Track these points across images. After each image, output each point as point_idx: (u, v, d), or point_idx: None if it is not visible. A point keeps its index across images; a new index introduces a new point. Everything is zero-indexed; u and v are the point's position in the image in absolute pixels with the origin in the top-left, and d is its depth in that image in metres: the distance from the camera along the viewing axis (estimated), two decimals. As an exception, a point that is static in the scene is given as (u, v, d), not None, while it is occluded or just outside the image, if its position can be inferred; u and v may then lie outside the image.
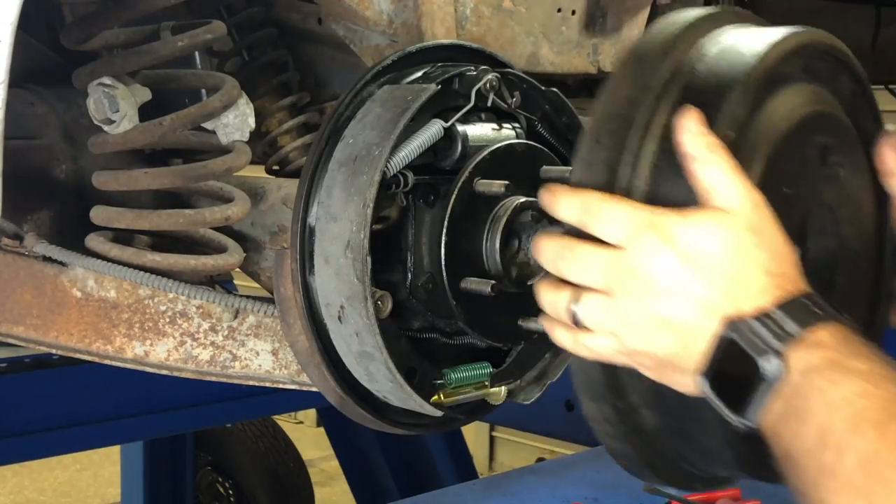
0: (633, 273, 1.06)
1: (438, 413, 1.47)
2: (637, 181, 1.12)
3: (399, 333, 1.45)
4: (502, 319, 1.49)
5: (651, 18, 1.95)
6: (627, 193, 1.11)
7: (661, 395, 1.13)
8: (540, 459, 5.46)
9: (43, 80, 1.76)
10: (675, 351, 1.06)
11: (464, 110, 1.45)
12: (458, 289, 1.42)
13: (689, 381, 1.07)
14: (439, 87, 1.42)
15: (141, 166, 1.71)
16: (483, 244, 1.43)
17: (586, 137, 1.15)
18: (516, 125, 1.53)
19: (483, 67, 1.49)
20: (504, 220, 1.43)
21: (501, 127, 1.51)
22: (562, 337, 1.14)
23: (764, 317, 1.02)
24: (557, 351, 1.60)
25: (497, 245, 1.42)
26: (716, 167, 1.06)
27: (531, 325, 1.49)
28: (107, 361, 1.68)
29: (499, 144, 1.46)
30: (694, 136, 1.08)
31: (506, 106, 1.51)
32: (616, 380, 1.16)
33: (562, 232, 1.14)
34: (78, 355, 1.69)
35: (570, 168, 1.49)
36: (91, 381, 3.64)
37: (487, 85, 1.47)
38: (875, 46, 2.53)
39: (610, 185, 1.12)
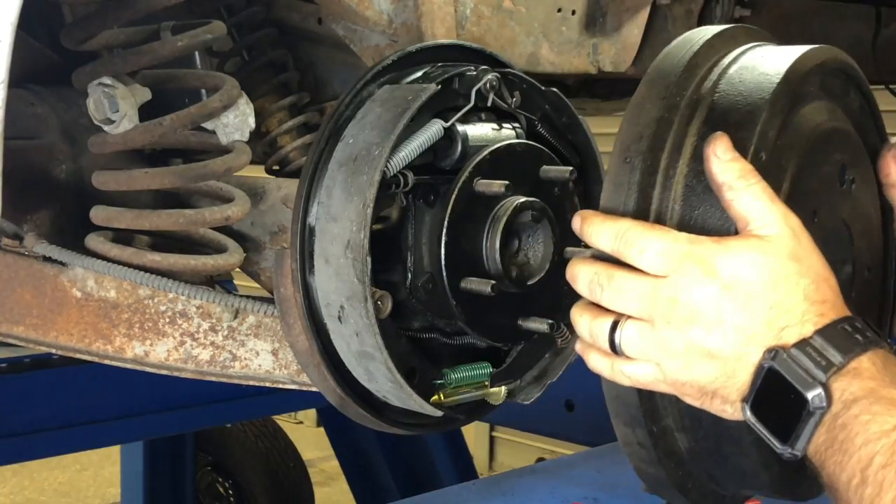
0: (674, 303, 1.05)
1: (438, 413, 1.47)
2: (671, 203, 1.11)
3: (399, 333, 1.45)
4: (502, 319, 1.49)
5: (651, 18, 1.94)
6: (661, 217, 1.10)
7: (698, 418, 1.12)
8: (540, 459, 5.45)
9: (43, 80, 1.76)
10: (717, 380, 1.06)
11: (464, 110, 1.45)
12: (458, 289, 1.42)
13: (732, 409, 1.07)
14: (439, 87, 1.42)
15: (141, 166, 1.71)
16: (483, 244, 1.43)
17: (615, 157, 1.14)
18: (516, 125, 1.53)
19: (483, 67, 1.49)
20: (504, 220, 1.43)
21: (501, 127, 1.51)
22: (598, 363, 1.13)
23: (806, 345, 1.02)
24: (557, 351, 1.60)
25: (497, 245, 1.42)
26: (750, 194, 1.06)
27: (531, 325, 1.50)
28: (107, 361, 1.68)
29: (499, 144, 1.46)
30: (724, 164, 1.07)
31: (506, 106, 1.51)
32: (652, 404, 1.15)
33: (595, 256, 1.13)
34: (78, 355, 1.69)
35: (570, 168, 1.50)
36: (91, 381, 3.64)
37: (487, 85, 1.47)
38: (875, 46, 2.53)
39: (643, 209, 1.11)
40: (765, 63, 1.17)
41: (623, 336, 1.09)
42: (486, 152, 1.44)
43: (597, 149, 1.60)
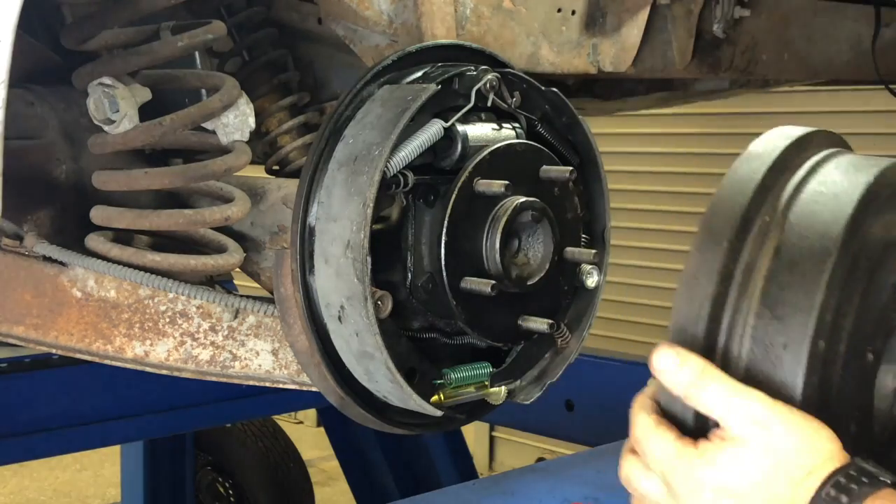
0: None
1: (438, 413, 1.47)
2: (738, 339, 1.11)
3: (399, 333, 1.45)
4: (502, 319, 1.49)
5: (651, 18, 1.95)
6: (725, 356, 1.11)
7: None
8: (540, 459, 5.46)
9: (43, 80, 1.76)
10: None
11: (464, 110, 1.45)
12: (458, 289, 1.42)
13: None
14: (439, 87, 1.42)
15: (141, 166, 1.71)
16: (483, 244, 1.43)
17: (673, 338, 1.13)
18: (516, 125, 1.53)
19: (483, 67, 1.49)
20: (504, 220, 1.43)
21: (501, 127, 1.51)
22: None
23: None
24: (557, 351, 1.60)
25: (497, 245, 1.42)
26: (708, 397, 1.08)
27: (531, 325, 1.50)
28: (107, 361, 1.68)
29: (499, 144, 1.46)
30: (673, 376, 1.09)
31: (506, 106, 1.51)
32: None
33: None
34: (78, 355, 1.69)
35: (570, 168, 1.50)
36: (91, 381, 3.64)
37: (487, 85, 1.47)
38: (875, 46, 2.53)
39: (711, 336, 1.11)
40: (819, 219, 1.13)
41: None
42: (486, 152, 1.44)
43: (597, 149, 1.60)
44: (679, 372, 1.09)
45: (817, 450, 1.07)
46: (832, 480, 1.04)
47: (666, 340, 1.13)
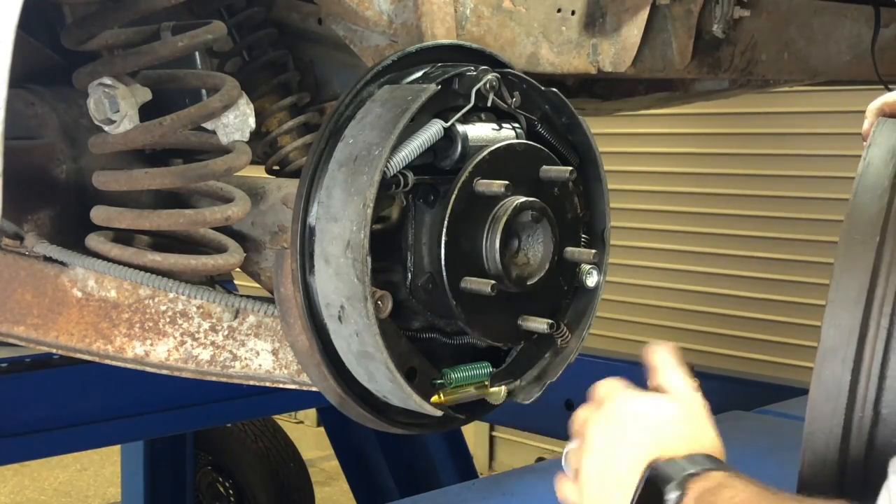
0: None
1: (438, 413, 1.47)
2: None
3: (399, 333, 1.46)
4: (502, 319, 1.49)
5: (650, 18, 1.95)
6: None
7: None
8: (540, 459, 5.45)
9: (43, 80, 1.76)
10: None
11: (464, 110, 1.45)
12: (458, 289, 1.42)
13: None
14: (439, 87, 1.42)
15: (141, 166, 1.71)
16: (483, 244, 1.43)
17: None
18: (516, 125, 1.53)
19: (483, 68, 1.49)
20: (504, 220, 1.43)
21: (501, 127, 1.51)
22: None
23: (673, 462, 1.32)
24: (557, 350, 1.60)
25: (497, 245, 1.43)
26: (670, 372, 1.39)
27: (531, 325, 1.50)
28: (107, 361, 1.68)
29: (499, 144, 1.47)
30: (657, 354, 1.39)
31: (506, 106, 1.51)
32: None
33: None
34: (78, 355, 1.69)
35: (570, 168, 1.51)
36: (91, 381, 3.64)
37: (487, 85, 1.47)
38: (874, 46, 2.53)
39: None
40: None
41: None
42: (485, 152, 1.44)
43: (597, 149, 1.60)
44: (664, 356, 1.38)
45: (707, 440, 1.37)
46: (711, 457, 1.33)
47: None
